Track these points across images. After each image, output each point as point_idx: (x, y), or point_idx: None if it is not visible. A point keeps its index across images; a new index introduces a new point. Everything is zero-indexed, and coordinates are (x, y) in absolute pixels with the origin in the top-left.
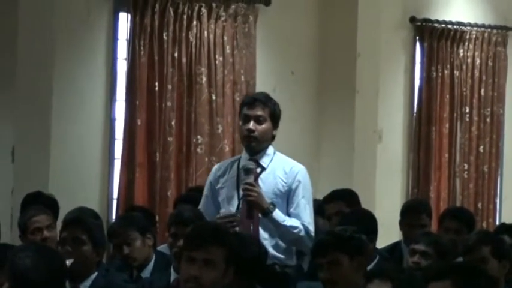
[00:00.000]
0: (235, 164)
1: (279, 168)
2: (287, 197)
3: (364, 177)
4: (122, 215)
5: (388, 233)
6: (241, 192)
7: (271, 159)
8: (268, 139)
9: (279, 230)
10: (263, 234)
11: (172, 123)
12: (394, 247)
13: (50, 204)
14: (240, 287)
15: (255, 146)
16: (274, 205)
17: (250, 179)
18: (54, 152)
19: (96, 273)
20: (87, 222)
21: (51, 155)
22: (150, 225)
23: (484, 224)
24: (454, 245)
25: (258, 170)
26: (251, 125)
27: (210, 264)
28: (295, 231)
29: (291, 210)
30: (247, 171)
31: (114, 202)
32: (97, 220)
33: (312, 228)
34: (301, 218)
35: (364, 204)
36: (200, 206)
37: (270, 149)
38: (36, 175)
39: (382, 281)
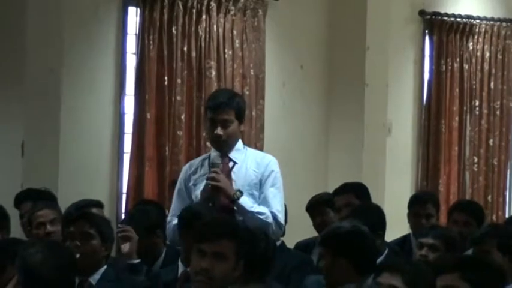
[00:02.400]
0: (206, 162)
1: (250, 161)
2: (259, 187)
3: (374, 170)
4: (132, 212)
5: (398, 227)
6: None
7: (243, 154)
8: (237, 137)
9: (245, 216)
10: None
11: (182, 117)
12: (404, 240)
13: (45, 198)
14: (250, 280)
15: (225, 148)
16: (241, 192)
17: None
18: (63, 146)
19: (105, 267)
20: (95, 216)
21: (60, 150)
22: (160, 222)
23: (494, 217)
24: (463, 237)
25: (231, 164)
26: (218, 130)
27: (220, 257)
28: (262, 217)
29: (261, 197)
30: (213, 165)
31: (124, 196)
32: (101, 208)
33: (281, 215)
34: (270, 205)
35: (374, 198)
36: (175, 203)
37: (240, 144)
38: (46, 170)
39: (392, 274)
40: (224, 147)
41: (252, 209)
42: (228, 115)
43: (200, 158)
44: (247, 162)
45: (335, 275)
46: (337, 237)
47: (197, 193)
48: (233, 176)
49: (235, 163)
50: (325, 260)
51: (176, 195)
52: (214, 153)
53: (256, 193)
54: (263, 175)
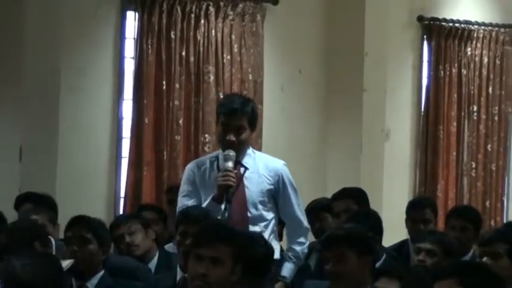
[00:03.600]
0: (215, 164)
1: (261, 167)
2: (273, 194)
3: (372, 175)
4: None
5: (396, 232)
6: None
7: (253, 158)
8: (248, 144)
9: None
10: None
11: (180, 121)
12: (401, 245)
13: (45, 203)
14: (248, 285)
15: (237, 154)
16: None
17: (229, 165)
18: (61, 151)
19: (103, 272)
20: (92, 220)
21: (58, 154)
22: (151, 222)
23: (492, 223)
24: (460, 243)
25: (242, 170)
26: (231, 136)
27: (217, 262)
28: (305, 248)
29: (288, 213)
30: (227, 157)
31: (122, 201)
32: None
33: (306, 223)
34: (302, 223)
35: (372, 203)
36: (185, 203)
37: (249, 149)
38: (44, 174)
39: (390, 279)
40: (237, 153)
41: (300, 261)
42: (241, 121)
43: (207, 158)
44: (259, 168)
45: (357, 276)
46: (361, 236)
47: (206, 197)
48: (245, 181)
49: (246, 169)
50: (346, 261)
51: (186, 182)
52: (222, 155)
53: (266, 199)
54: (278, 183)
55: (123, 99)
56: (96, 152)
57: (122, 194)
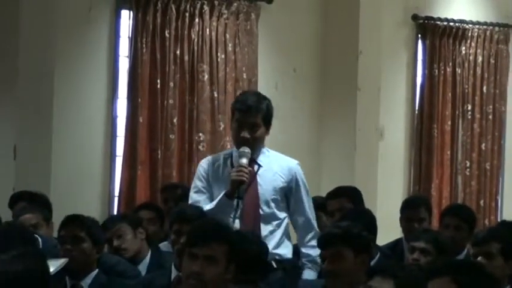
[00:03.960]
0: (228, 161)
1: (275, 165)
2: (285, 193)
3: (366, 174)
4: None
5: (390, 231)
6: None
7: (267, 157)
8: (263, 142)
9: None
10: (264, 231)
11: (174, 120)
12: (396, 244)
13: (39, 202)
14: (242, 283)
15: (251, 151)
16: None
17: (243, 161)
18: (55, 149)
19: (97, 270)
20: (85, 219)
21: (52, 153)
22: (141, 221)
23: (486, 222)
24: (454, 242)
25: (256, 167)
26: (246, 133)
27: (211, 260)
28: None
29: (300, 213)
30: (242, 154)
31: (116, 199)
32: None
33: (316, 226)
34: (313, 226)
35: (366, 202)
36: (198, 199)
37: (264, 148)
38: (38, 173)
39: (384, 278)
40: (251, 150)
41: (318, 265)
42: (256, 119)
43: (221, 154)
44: (273, 166)
45: (353, 274)
46: (357, 234)
47: (218, 193)
48: (258, 179)
49: (260, 166)
50: (343, 260)
51: (197, 190)
52: (236, 152)
53: (279, 198)
54: (292, 181)
55: (118, 97)
56: (90, 150)
57: (116, 192)
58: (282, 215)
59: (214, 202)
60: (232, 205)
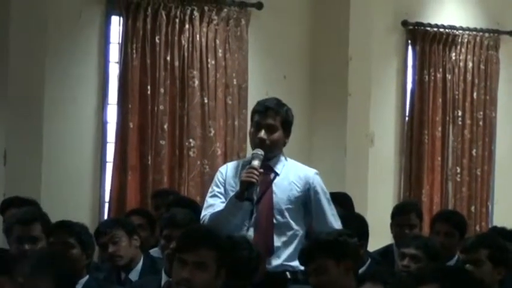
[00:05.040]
0: (247, 167)
1: (292, 174)
2: (303, 203)
3: (356, 180)
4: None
5: (380, 237)
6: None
7: (284, 165)
8: (280, 147)
9: None
10: (276, 241)
11: (165, 126)
12: (386, 250)
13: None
14: None
15: (267, 155)
16: None
17: (255, 163)
18: (46, 155)
19: (87, 277)
20: (74, 225)
21: (43, 158)
22: (136, 228)
23: (477, 228)
24: (445, 248)
25: (272, 175)
26: (262, 134)
27: (201, 266)
28: None
29: (321, 222)
30: (254, 155)
31: (106, 205)
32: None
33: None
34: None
35: (356, 208)
36: (212, 203)
37: (282, 156)
38: (28, 178)
39: (374, 284)
40: (267, 153)
41: None
42: (274, 121)
43: (240, 161)
44: (289, 175)
45: (341, 282)
46: (334, 242)
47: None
48: (274, 187)
49: (276, 174)
50: (327, 272)
51: (212, 195)
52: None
53: (294, 207)
54: (309, 190)
55: (108, 103)
56: (80, 156)
57: (107, 198)
58: (298, 226)
59: (224, 205)
60: (241, 207)
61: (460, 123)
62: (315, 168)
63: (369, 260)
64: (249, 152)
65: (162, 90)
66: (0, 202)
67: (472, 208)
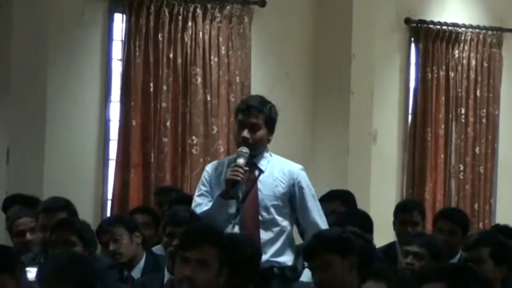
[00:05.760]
0: (229, 168)
1: (277, 170)
2: (288, 199)
3: (359, 178)
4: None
5: (383, 234)
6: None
7: (268, 162)
8: (264, 144)
9: None
10: (263, 238)
11: (167, 124)
12: (389, 248)
13: (30, 204)
14: (234, 287)
15: (251, 153)
16: None
17: (240, 161)
18: (48, 153)
19: None
20: (76, 223)
21: (45, 156)
22: (137, 225)
23: (481, 225)
24: (448, 246)
25: (257, 172)
26: (245, 133)
27: (203, 264)
28: None
29: (306, 218)
30: (240, 154)
31: (109, 203)
32: (69, 207)
33: (324, 227)
34: (319, 226)
35: (359, 205)
36: (200, 202)
37: (267, 153)
38: (31, 176)
39: (377, 282)
40: (251, 151)
41: None
42: (257, 119)
43: (225, 159)
44: (274, 171)
45: (345, 278)
46: (339, 238)
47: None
48: (259, 184)
49: (261, 172)
50: (332, 268)
51: (200, 193)
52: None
53: (280, 203)
54: (294, 186)
55: (111, 101)
56: (83, 154)
57: (109, 196)
58: (284, 222)
59: (210, 204)
60: (228, 206)
61: (463, 120)
62: (317, 165)
63: None
64: None
65: (164, 87)
66: (2, 200)
67: (475, 206)
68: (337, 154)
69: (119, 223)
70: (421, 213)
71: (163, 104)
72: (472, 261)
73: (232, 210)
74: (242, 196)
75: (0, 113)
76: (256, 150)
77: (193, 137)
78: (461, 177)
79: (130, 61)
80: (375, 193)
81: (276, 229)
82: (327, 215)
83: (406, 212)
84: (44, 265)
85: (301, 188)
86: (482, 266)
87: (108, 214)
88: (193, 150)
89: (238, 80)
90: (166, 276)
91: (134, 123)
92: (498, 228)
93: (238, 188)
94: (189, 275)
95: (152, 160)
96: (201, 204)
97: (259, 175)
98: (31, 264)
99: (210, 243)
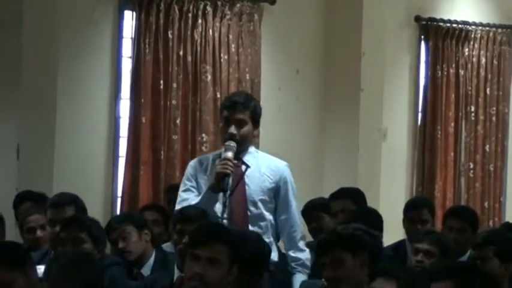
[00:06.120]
0: (217, 161)
1: (263, 166)
2: (274, 194)
3: (369, 176)
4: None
5: (393, 232)
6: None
7: (255, 158)
8: (250, 140)
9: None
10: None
11: (177, 121)
12: (398, 246)
13: (41, 201)
14: (244, 284)
15: (237, 148)
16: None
17: (229, 154)
18: (58, 150)
19: None
20: (86, 220)
21: (55, 153)
22: (146, 222)
23: (491, 223)
24: (457, 244)
25: (243, 167)
26: (232, 129)
27: (214, 262)
28: (307, 252)
29: (286, 214)
30: (227, 147)
31: (119, 200)
32: (77, 202)
33: (302, 230)
34: (299, 228)
35: (369, 203)
36: (186, 197)
37: (252, 148)
38: (41, 173)
39: (387, 280)
40: (238, 147)
41: (308, 269)
42: (243, 115)
43: (210, 155)
44: (261, 167)
45: (355, 276)
46: (352, 235)
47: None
48: (246, 179)
49: (248, 167)
50: (343, 265)
51: (185, 189)
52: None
53: (267, 199)
54: (280, 182)
55: (121, 98)
56: (93, 151)
57: (119, 193)
58: (271, 216)
59: (199, 198)
60: (217, 199)
61: (473, 118)
62: (327, 163)
63: None
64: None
65: (174, 85)
66: (12, 196)
67: (485, 204)
68: (347, 151)
69: (127, 221)
70: (430, 211)
71: (173, 102)
72: (478, 259)
73: (220, 204)
74: (230, 191)
75: (10, 110)
76: (243, 145)
77: (203, 135)
78: (471, 175)
79: (141, 58)
80: (384, 191)
81: (263, 223)
82: (338, 213)
83: (416, 210)
84: (50, 263)
85: (286, 183)
86: (488, 264)
87: (118, 211)
88: (203, 148)
89: (248, 78)
90: (176, 273)
91: (144, 121)
92: (507, 226)
93: (228, 181)
94: (199, 272)
95: (162, 157)
96: (188, 199)
97: (245, 170)
98: (41, 262)
99: (220, 241)
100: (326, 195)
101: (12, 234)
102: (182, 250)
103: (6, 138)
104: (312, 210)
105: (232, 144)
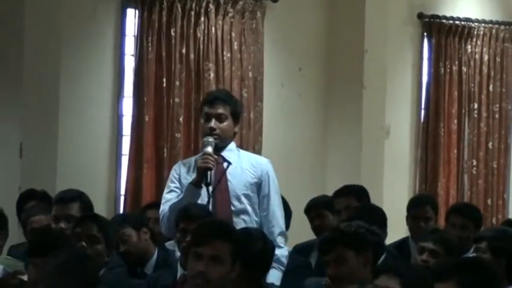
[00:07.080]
0: (198, 156)
1: (245, 162)
2: (256, 189)
3: (372, 173)
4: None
5: (396, 230)
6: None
7: (236, 155)
8: (231, 136)
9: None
10: (238, 225)
11: (180, 119)
12: (402, 243)
13: (44, 200)
14: (247, 281)
15: (218, 143)
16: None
17: (209, 149)
18: (61, 148)
19: (103, 269)
20: (104, 220)
21: (58, 152)
22: (144, 220)
23: (494, 220)
24: (461, 240)
25: (225, 164)
26: (213, 123)
27: (216, 260)
28: (285, 249)
29: (267, 210)
30: (206, 143)
31: (122, 198)
32: (83, 198)
33: (284, 227)
34: (280, 224)
35: (372, 201)
36: (170, 198)
37: (233, 145)
38: (44, 172)
39: (390, 277)
40: (217, 142)
41: (283, 265)
42: (223, 109)
43: (193, 158)
44: (242, 163)
45: (358, 274)
46: (356, 233)
47: None
48: (228, 176)
49: (229, 163)
50: (346, 263)
51: (169, 190)
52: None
53: (251, 194)
54: (262, 177)
55: (123, 96)
56: (96, 149)
57: (122, 191)
58: (255, 212)
59: (182, 195)
60: (199, 194)
61: (476, 115)
62: (330, 160)
63: (385, 253)
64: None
65: (177, 83)
66: (16, 195)
67: (488, 201)
68: (350, 149)
69: (124, 223)
70: (433, 209)
71: (176, 100)
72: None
73: (203, 199)
74: (213, 187)
75: (13, 109)
76: (224, 141)
77: None
78: (474, 172)
79: (143, 56)
80: (387, 188)
81: (247, 218)
82: (341, 210)
83: (419, 207)
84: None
85: (268, 177)
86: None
87: (121, 210)
88: None
89: (251, 76)
90: (180, 271)
91: (147, 119)
92: (510, 222)
93: (211, 176)
94: (202, 270)
95: (165, 155)
96: (171, 199)
97: (227, 167)
98: None
99: (222, 239)
100: (329, 193)
101: (15, 233)
102: (185, 248)
103: (9, 137)
104: (315, 208)
105: (211, 139)
